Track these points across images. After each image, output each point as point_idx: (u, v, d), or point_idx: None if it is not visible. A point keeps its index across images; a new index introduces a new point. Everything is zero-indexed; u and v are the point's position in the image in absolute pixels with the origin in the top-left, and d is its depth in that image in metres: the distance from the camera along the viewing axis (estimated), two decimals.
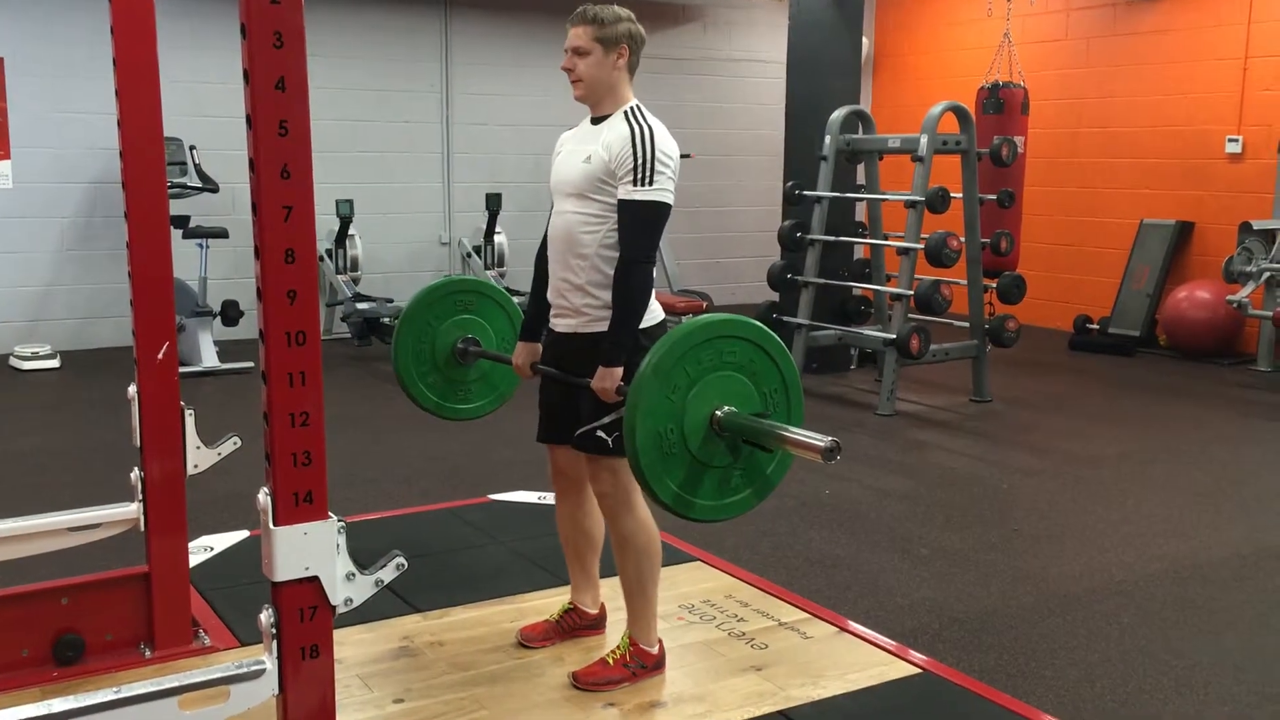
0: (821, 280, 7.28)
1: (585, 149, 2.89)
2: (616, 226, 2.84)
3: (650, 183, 2.78)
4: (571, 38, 2.88)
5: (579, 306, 2.92)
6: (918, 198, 6.67)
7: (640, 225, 2.80)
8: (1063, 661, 3.43)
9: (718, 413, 2.47)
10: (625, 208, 2.80)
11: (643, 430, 2.41)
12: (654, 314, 2.95)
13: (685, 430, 2.45)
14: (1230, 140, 8.49)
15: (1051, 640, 3.58)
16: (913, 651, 3.31)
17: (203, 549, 3.94)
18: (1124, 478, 5.46)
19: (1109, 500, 5.09)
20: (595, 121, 2.94)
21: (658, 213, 2.81)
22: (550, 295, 3.03)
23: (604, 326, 2.86)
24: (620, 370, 2.80)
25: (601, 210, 2.85)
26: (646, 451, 2.42)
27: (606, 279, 2.87)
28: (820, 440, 2.36)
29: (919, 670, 3.17)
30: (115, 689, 2.05)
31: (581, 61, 2.86)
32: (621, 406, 2.80)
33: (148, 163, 2.98)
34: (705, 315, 2.49)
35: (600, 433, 2.87)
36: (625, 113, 2.88)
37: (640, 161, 2.77)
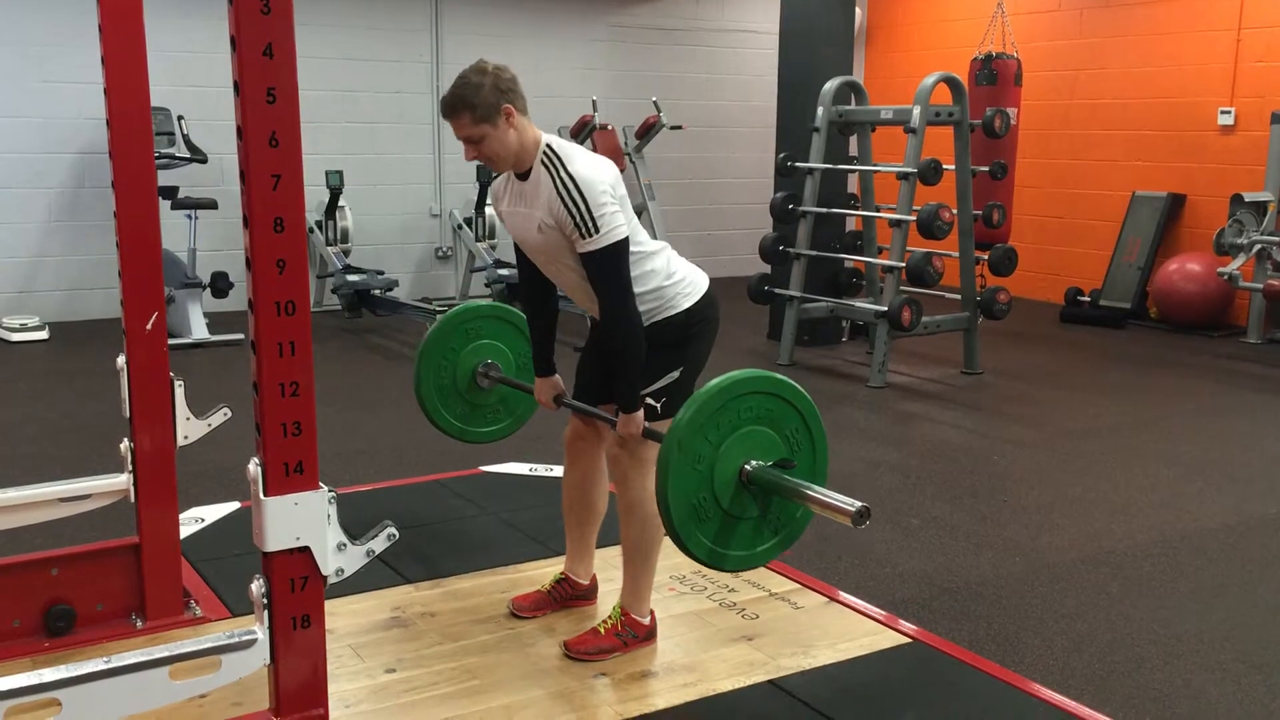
0: (813, 252, 7.27)
1: (532, 216, 2.85)
2: None
3: (596, 230, 2.74)
4: (456, 131, 2.82)
5: None
6: (910, 169, 6.65)
7: (604, 271, 2.80)
8: (1051, 631, 3.45)
9: (746, 466, 2.52)
10: (585, 260, 2.81)
11: (676, 503, 2.46)
12: (696, 288, 2.97)
13: (716, 491, 2.51)
14: (1223, 112, 8.48)
15: (1041, 610, 3.60)
16: (903, 621, 3.33)
17: (193, 520, 3.94)
18: (1113, 449, 5.48)
19: (1098, 471, 5.11)
20: (522, 177, 2.89)
21: (615, 251, 2.78)
22: (586, 311, 3.07)
23: (648, 310, 2.89)
24: (641, 414, 2.87)
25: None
26: (682, 521, 2.48)
27: (640, 290, 2.87)
28: (849, 505, 2.39)
29: (909, 640, 3.19)
30: (106, 659, 2.05)
31: (481, 147, 2.81)
32: (671, 373, 2.92)
33: (135, 133, 2.96)
34: (717, 381, 2.50)
35: (649, 399, 2.91)
36: (543, 163, 2.82)
37: (578, 216, 2.74)
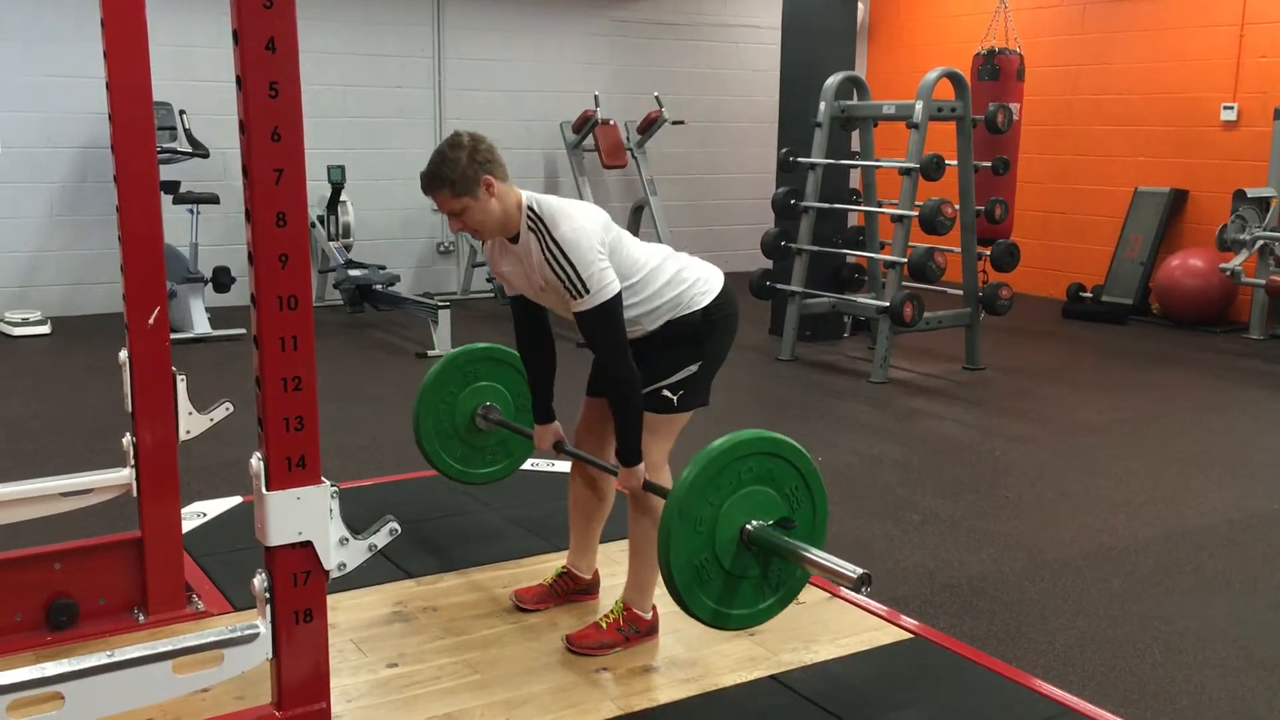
0: (815, 247, 7.26)
1: (533, 275, 2.86)
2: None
3: (586, 290, 2.75)
4: (438, 205, 2.83)
5: (640, 330, 2.96)
6: (912, 165, 6.64)
7: (598, 329, 2.81)
8: (1053, 626, 3.45)
9: (748, 527, 2.53)
10: (578, 319, 2.82)
11: (678, 566, 2.47)
12: (710, 289, 2.98)
13: (718, 552, 2.52)
14: (1225, 108, 8.47)
15: (1042, 605, 3.60)
16: (904, 617, 3.33)
17: (196, 515, 3.94)
18: (1115, 445, 5.48)
19: (1100, 467, 5.11)
20: (512, 240, 2.90)
21: (607, 309, 2.78)
22: None
23: (668, 317, 2.92)
24: (642, 466, 2.88)
25: None
26: (685, 584, 2.49)
27: (646, 306, 2.90)
28: (850, 571, 2.39)
29: (910, 635, 3.19)
30: (109, 653, 2.06)
31: (464, 219, 2.82)
32: (689, 366, 2.93)
33: (137, 127, 2.96)
34: (716, 444, 2.51)
35: (666, 391, 2.92)
36: (529, 225, 2.83)
37: (567, 280, 2.76)
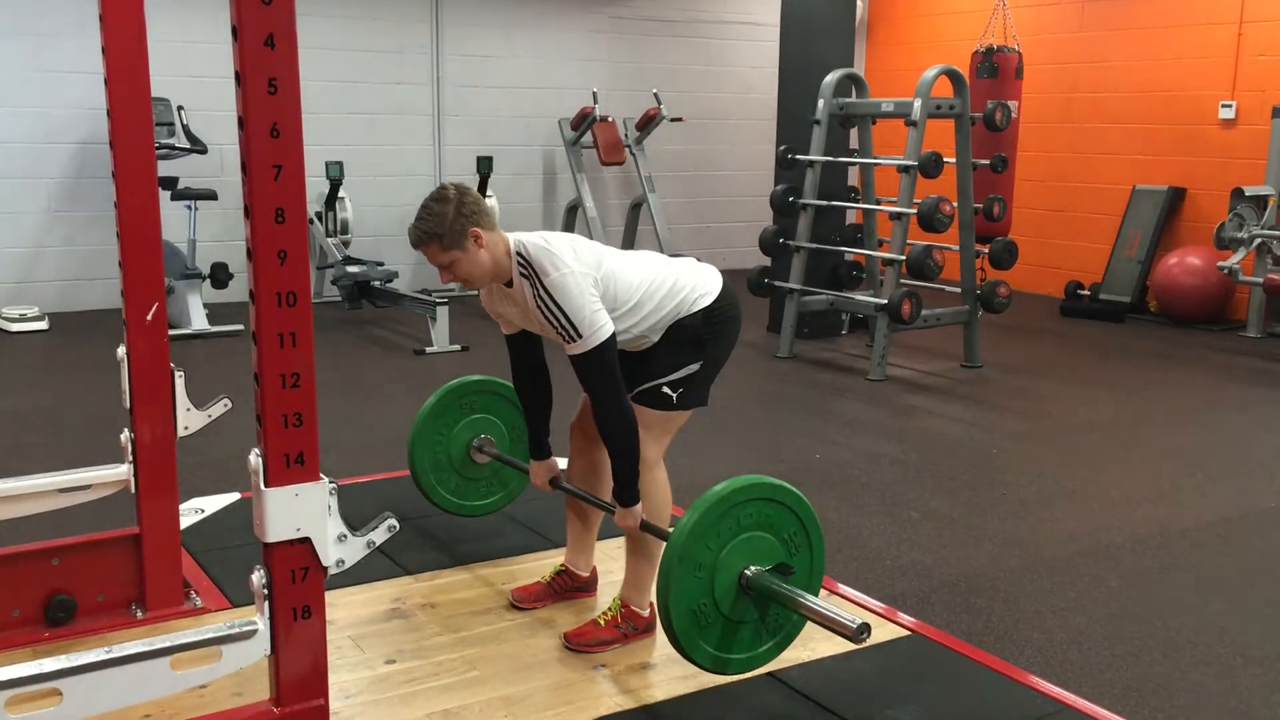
0: (813, 245, 7.26)
1: (530, 314, 2.87)
2: (613, 311, 2.85)
3: (579, 334, 2.77)
4: (429, 259, 2.84)
5: (643, 343, 2.99)
6: (911, 162, 6.64)
7: (591, 372, 2.83)
8: (1050, 624, 3.45)
9: (746, 572, 2.54)
10: (573, 361, 2.83)
11: (677, 612, 2.48)
12: (708, 291, 2.99)
13: (717, 597, 2.53)
14: (1224, 106, 8.47)
15: (1039, 603, 3.61)
16: (902, 614, 3.33)
17: (194, 511, 3.94)
18: (1113, 442, 5.48)
19: (1098, 465, 5.11)
20: (507, 285, 2.91)
21: (600, 352, 2.80)
22: None
23: (670, 324, 2.94)
24: (639, 507, 2.90)
25: None
26: (684, 629, 2.51)
27: (646, 324, 2.92)
28: (849, 621, 2.41)
29: (908, 632, 3.19)
30: (107, 649, 2.06)
31: (454, 270, 2.83)
32: (690, 365, 2.94)
33: (135, 123, 2.95)
34: (715, 490, 2.53)
35: (666, 388, 2.93)
36: (520, 273, 2.84)
37: (559, 324, 2.78)
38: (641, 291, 2.92)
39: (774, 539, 2.59)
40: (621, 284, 2.90)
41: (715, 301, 2.98)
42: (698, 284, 2.99)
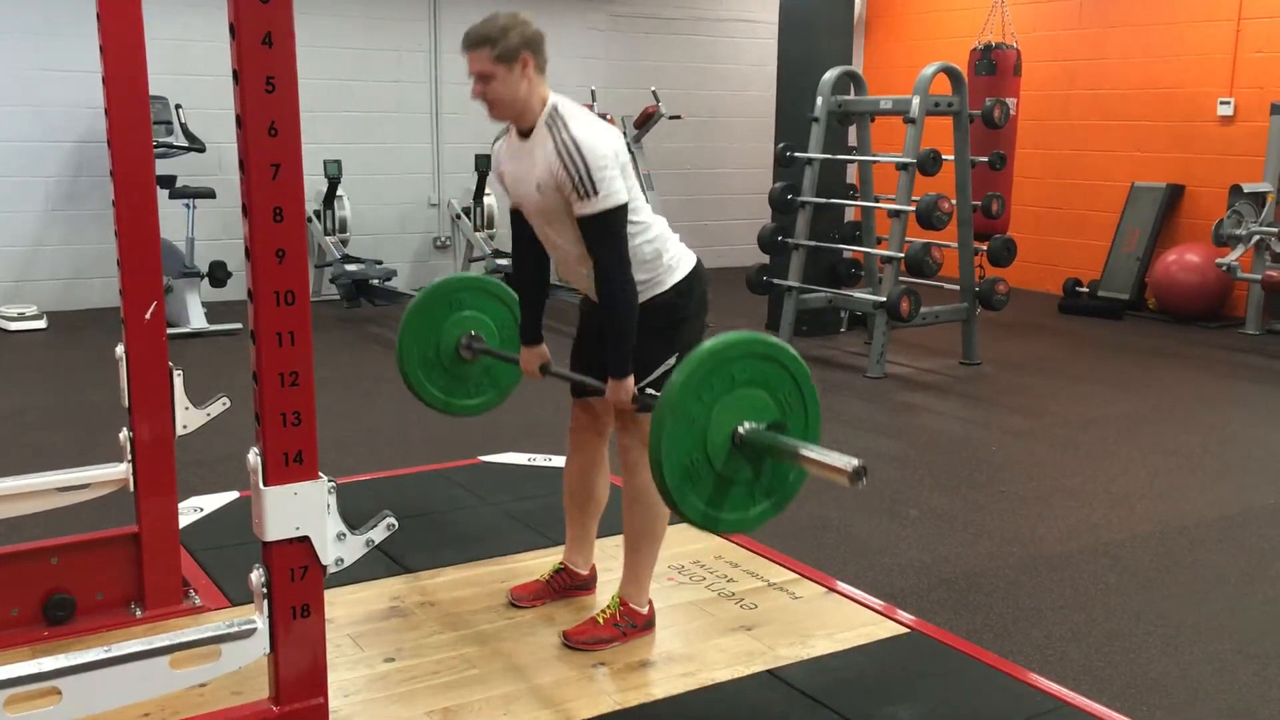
0: (812, 243, 7.26)
1: (530, 177, 2.84)
2: None
3: (595, 192, 2.73)
4: (470, 64, 2.80)
5: None
6: (909, 160, 6.64)
7: (601, 235, 2.78)
8: (1049, 621, 3.45)
9: (740, 429, 2.49)
10: (582, 224, 2.79)
11: (669, 465, 2.44)
12: (684, 264, 2.96)
13: (710, 453, 2.48)
14: (1222, 103, 8.47)
15: (1038, 600, 3.61)
16: (901, 611, 3.33)
17: (193, 509, 3.94)
18: (1112, 440, 5.49)
19: (1097, 462, 5.12)
20: (524, 135, 2.88)
21: (613, 217, 2.77)
22: (574, 285, 3.05)
23: (644, 293, 2.87)
24: (631, 379, 2.84)
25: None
26: (676, 483, 2.45)
27: (635, 263, 2.85)
28: (845, 463, 2.35)
29: (907, 630, 3.19)
30: (106, 648, 2.06)
31: (489, 86, 2.80)
32: (667, 361, 2.88)
33: (133, 121, 2.95)
34: (711, 342, 2.48)
35: (650, 389, 2.89)
36: (547, 124, 2.81)
37: (577, 178, 2.73)
38: (640, 216, 2.87)
39: (768, 397, 2.53)
40: (632, 190, 2.84)
41: (686, 277, 2.95)
42: (676, 255, 2.96)
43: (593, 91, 9.07)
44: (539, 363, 3.22)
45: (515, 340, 3.38)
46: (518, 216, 3.05)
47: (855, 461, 2.33)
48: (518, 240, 3.11)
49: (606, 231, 2.77)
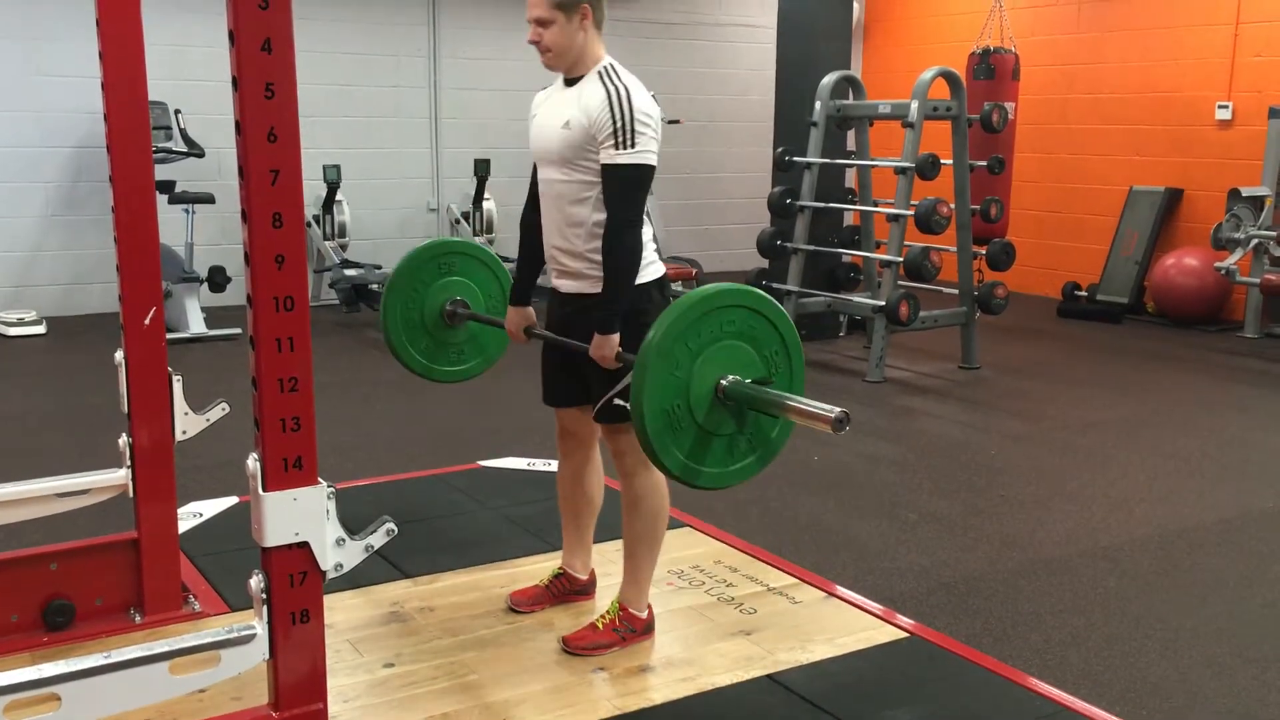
0: (811, 247, 7.27)
1: (562, 114, 2.85)
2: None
3: (632, 145, 2.75)
4: (531, 8, 2.82)
5: (581, 270, 2.92)
6: (908, 164, 6.65)
7: (625, 189, 2.79)
8: (1049, 625, 3.45)
9: (723, 382, 2.47)
10: (609, 172, 2.78)
11: (650, 410, 2.41)
12: (654, 269, 2.95)
13: (691, 403, 2.45)
14: (1220, 107, 8.48)
15: (1038, 604, 3.61)
16: (900, 615, 3.33)
17: (192, 515, 3.94)
18: (1111, 443, 5.49)
19: (1096, 466, 5.12)
20: (569, 83, 2.90)
21: (642, 175, 2.78)
22: (548, 259, 3.02)
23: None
24: (617, 337, 2.81)
25: (590, 176, 2.83)
26: (656, 430, 2.43)
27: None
28: (829, 411, 2.34)
29: (906, 634, 3.19)
30: (105, 654, 2.05)
31: (546, 31, 2.82)
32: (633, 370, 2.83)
33: (132, 126, 2.95)
34: (701, 289, 2.47)
35: (618, 400, 2.87)
36: (599, 73, 2.84)
37: (620, 124, 2.74)
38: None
39: (754, 353, 2.51)
40: None
41: (657, 280, 2.94)
42: (651, 258, 2.95)
43: None
44: (525, 324, 3.19)
45: (502, 307, 3.36)
46: (536, 171, 3.04)
47: (837, 409, 2.33)
48: (531, 199, 3.09)
49: (630, 186, 2.78)
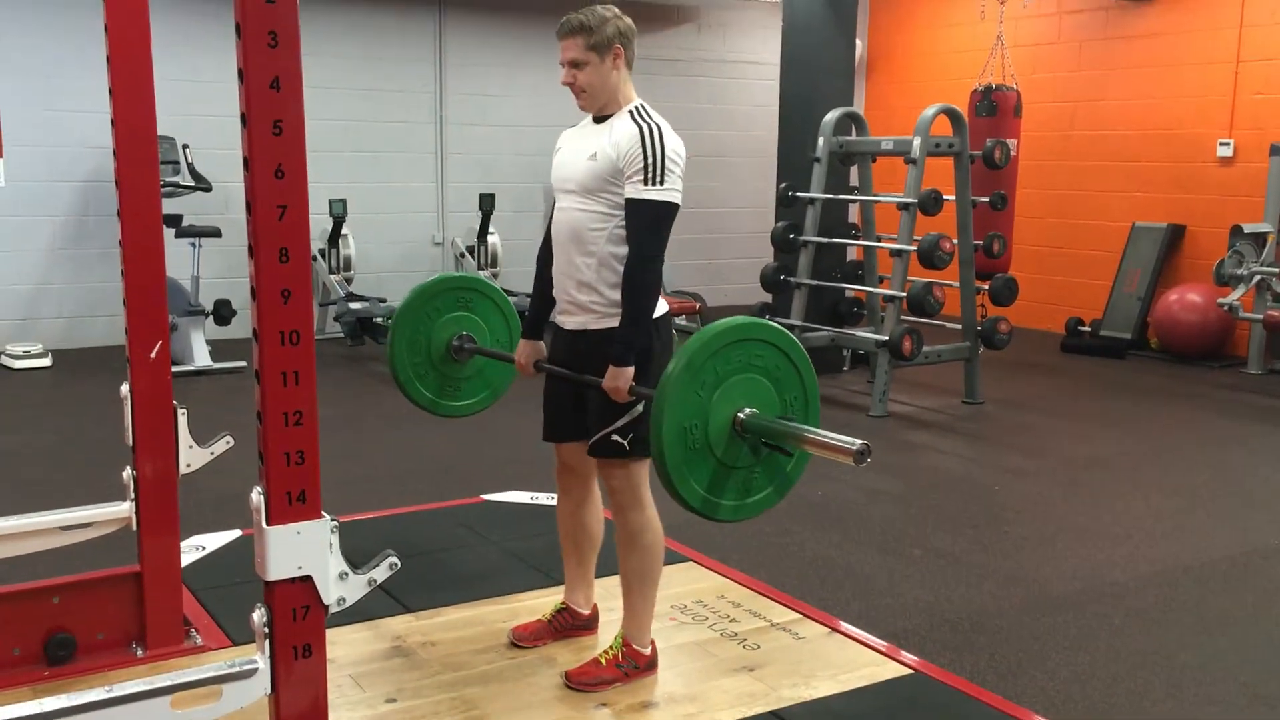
0: (814, 282, 7.29)
1: (590, 145, 2.89)
2: (624, 224, 2.84)
3: (661, 182, 2.78)
4: (564, 51, 2.87)
5: (587, 303, 2.93)
6: (910, 200, 6.68)
7: (651, 225, 2.82)
8: (1054, 663, 3.44)
9: (740, 415, 2.49)
10: (635, 208, 2.81)
11: (669, 423, 2.41)
12: (659, 306, 2.96)
13: (709, 431, 2.47)
14: (1221, 144, 8.52)
15: (1043, 641, 3.59)
16: (904, 652, 3.31)
17: (195, 548, 3.93)
18: (1115, 479, 5.47)
19: (1100, 502, 5.10)
20: (599, 120, 2.94)
21: (668, 212, 2.82)
22: (556, 292, 3.04)
23: (614, 323, 2.87)
24: (631, 370, 2.82)
25: (608, 208, 2.85)
26: (673, 447, 2.43)
27: (615, 275, 2.87)
28: (850, 443, 2.36)
29: (910, 671, 3.17)
30: (107, 688, 2.05)
31: (580, 73, 2.86)
32: (633, 408, 2.84)
33: (141, 161, 2.98)
34: (738, 317, 2.50)
35: (615, 436, 2.88)
36: (631, 112, 2.88)
37: (650, 160, 2.78)
38: None
39: (775, 394, 2.53)
40: None
41: (662, 317, 2.95)
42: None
43: None
44: (534, 358, 3.21)
45: (507, 347, 3.39)
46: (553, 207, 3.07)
47: (859, 442, 2.35)
48: (549, 233, 3.10)
49: (656, 222, 2.81)
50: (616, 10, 2.90)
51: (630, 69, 2.93)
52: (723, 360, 2.45)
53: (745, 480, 2.54)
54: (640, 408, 2.86)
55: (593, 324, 2.93)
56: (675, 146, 2.82)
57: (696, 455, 2.46)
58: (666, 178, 2.79)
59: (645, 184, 2.78)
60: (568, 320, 3.00)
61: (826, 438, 2.42)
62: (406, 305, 3.49)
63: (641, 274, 2.82)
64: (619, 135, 2.83)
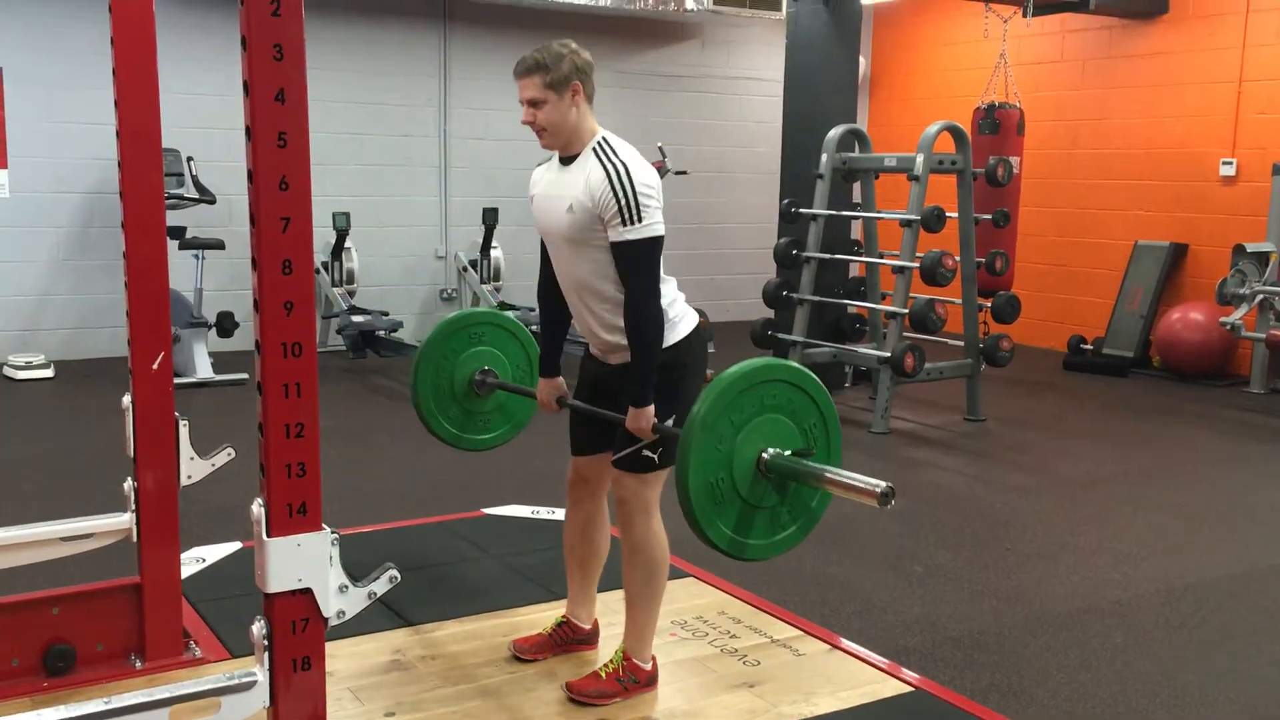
0: (817, 298, 7.29)
1: (565, 196, 2.88)
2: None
3: (639, 220, 2.78)
4: (522, 90, 2.87)
5: (619, 344, 2.95)
6: (913, 217, 6.68)
7: (640, 263, 2.82)
8: (1055, 681, 3.42)
9: (764, 455, 2.51)
10: (621, 250, 2.82)
11: (695, 482, 2.45)
12: (687, 322, 2.98)
13: (734, 476, 2.50)
14: (1224, 163, 8.53)
15: (1044, 660, 3.58)
16: (905, 670, 3.31)
17: (195, 560, 3.93)
18: (1117, 497, 5.47)
19: (1102, 520, 5.09)
20: (566, 161, 2.93)
21: (653, 246, 2.82)
22: (583, 334, 3.07)
23: None
24: (651, 408, 2.85)
25: (602, 253, 2.87)
26: (700, 503, 2.46)
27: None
28: (874, 485, 2.38)
29: (911, 688, 3.17)
30: (106, 699, 2.05)
31: (540, 112, 2.86)
32: (665, 421, 2.87)
33: (145, 173, 2.99)
34: (744, 363, 2.52)
35: (646, 451, 2.90)
36: (595, 150, 2.87)
37: (624, 202, 2.78)
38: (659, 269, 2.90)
39: (794, 427, 2.55)
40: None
41: (688, 336, 2.97)
42: (681, 312, 2.98)
43: None
44: (555, 395, 3.24)
45: (528, 376, 3.41)
46: (545, 247, 3.08)
47: (883, 483, 2.36)
48: (545, 270, 3.14)
49: (643, 259, 2.81)
50: (574, 46, 2.89)
51: (590, 103, 2.91)
52: (737, 410, 2.48)
53: (771, 519, 2.57)
54: (670, 422, 2.89)
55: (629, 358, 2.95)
56: (645, 179, 2.81)
57: (723, 499, 2.50)
58: (643, 214, 2.78)
59: (624, 225, 2.79)
60: (611, 357, 3.02)
61: (850, 480, 2.44)
62: (430, 341, 3.54)
63: (643, 311, 2.83)
64: (592, 183, 2.82)
